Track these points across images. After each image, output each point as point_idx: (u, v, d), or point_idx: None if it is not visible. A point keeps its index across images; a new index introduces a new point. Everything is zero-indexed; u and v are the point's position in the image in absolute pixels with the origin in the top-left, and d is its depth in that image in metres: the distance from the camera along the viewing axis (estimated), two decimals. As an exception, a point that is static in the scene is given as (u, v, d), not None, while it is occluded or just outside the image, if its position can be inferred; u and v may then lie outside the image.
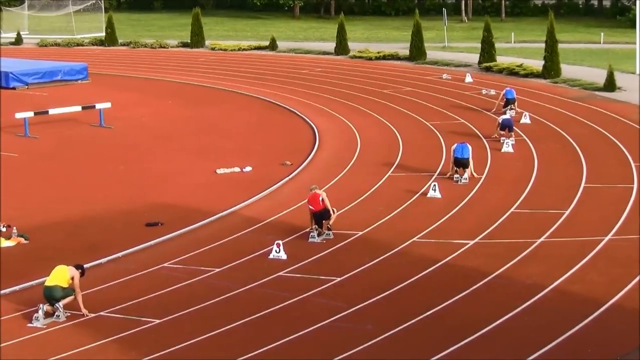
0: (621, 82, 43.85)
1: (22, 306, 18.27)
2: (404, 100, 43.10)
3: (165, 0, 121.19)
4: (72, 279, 17.82)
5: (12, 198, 26.86)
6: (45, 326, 17.32)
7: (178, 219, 24.27)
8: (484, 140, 32.90)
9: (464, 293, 18.37)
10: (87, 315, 17.66)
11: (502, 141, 31.91)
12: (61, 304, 17.59)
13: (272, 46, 66.68)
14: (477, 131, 34.71)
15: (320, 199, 22.27)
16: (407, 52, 58.12)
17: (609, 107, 39.12)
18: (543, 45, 48.91)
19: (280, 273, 19.98)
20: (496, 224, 23.08)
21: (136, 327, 17.14)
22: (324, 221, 22.23)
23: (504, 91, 39.03)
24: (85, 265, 18.78)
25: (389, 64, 57.25)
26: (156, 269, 20.55)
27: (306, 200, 22.87)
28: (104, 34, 74.11)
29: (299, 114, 40.08)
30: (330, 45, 63.91)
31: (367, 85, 47.72)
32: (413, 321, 17.04)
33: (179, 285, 19.37)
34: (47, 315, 17.59)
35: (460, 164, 27.59)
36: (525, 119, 36.19)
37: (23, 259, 21.45)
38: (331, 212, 22.34)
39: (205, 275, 19.98)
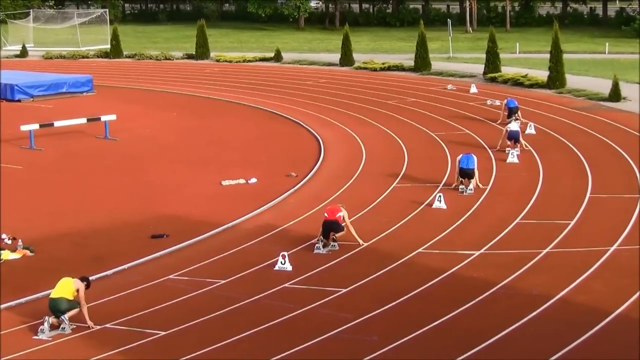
0: (626, 92, 43.80)
1: (28, 318, 18.28)
2: (408, 111, 43.11)
3: (170, 12, 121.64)
4: (78, 291, 17.82)
5: (18, 210, 26.89)
6: (50, 338, 17.32)
7: (183, 230, 24.28)
8: (489, 151, 32.89)
9: (469, 304, 18.36)
10: (92, 328, 17.66)
11: (507, 152, 31.89)
12: (66, 316, 17.59)
13: (277, 57, 66.73)
14: (482, 142, 34.70)
15: (340, 215, 22.29)
16: (412, 63, 58.10)
17: (614, 118, 39.09)
18: (548, 55, 48.88)
19: (286, 284, 19.97)
20: (502, 234, 23.07)
21: (142, 339, 17.14)
22: (331, 232, 22.22)
23: (505, 101, 39.04)
24: (90, 277, 18.80)
25: (394, 74, 57.29)
26: (162, 281, 20.55)
27: (321, 206, 22.94)
28: (109, 46, 74.15)
29: (304, 125, 40.10)
30: (335, 57, 63.96)
31: (372, 96, 47.74)
32: (419, 332, 17.02)
33: (184, 297, 19.37)
34: (53, 327, 17.59)
35: (465, 174, 27.58)
36: (530, 130, 36.18)
37: (28, 271, 21.46)
38: (347, 229, 22.31)
39: (210, 287, 19.98)
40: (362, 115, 42.26)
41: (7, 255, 22.34)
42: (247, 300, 19.03)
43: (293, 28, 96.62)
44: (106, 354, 16.49)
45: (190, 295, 19.52)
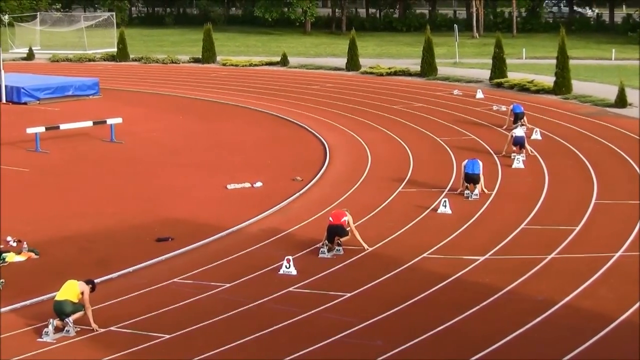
0: (632, 98, 43.77)
1: (33, 321, 18.28)
2: (414, 116, 43.11)
3: (177, 16, 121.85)
4: (82, 293, 17.82)
5: (23, 213, 26.93)
6: (55, 341, 17.33)
7: (188, 234, 24.28)
8: (495, 156, 32.88)
9: (474, 309, 18.34)
10: (97, 330, 17.67)
11: (512, 157, 31.89)
12: (71, 318, 17.60)
13: (284, 62, 66.79)
14: (487, 147, 34.69)
15: (345, 219, 22.28)
16: (418, 68, 58.15)
17: (620, 124, 39.07)
18: (554, 61, 48.88)
19: (291, 288, 19.96)
20: (507, 239, 23.04)
21: (146, 342, 17.14)
22: (336, 237, 22.21)
23: (512, 106, 39.06)
24: (95, 280, 18.81)
25: (400, 79, 57.29)
26: (166, 284, 20.55)
27: (326, 211, 22.93)
28: (115, 49, 74.35)
29: (310, 129, 40.11)
30: (342, 61, 64.00)
31: (378, 101, 47.75)
32: (423, 337, 17.00)
33: (189, 301, 19.37)
34: (57, 330, 17.60)
35: (471, 179, 27.56)
36: (536, 135, 36.15)
37: (33, 274, 21.48)
38: (352, 233, 22.31)
39: (215, 291, 19.97)
40: (368, 119, 42.28)
41: (12, 257, 22.35)
42: (252, 304, 19.02)
43: (300, 32, 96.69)
44: (110, 357, 16.49)
45: (195, 298, 19.52)
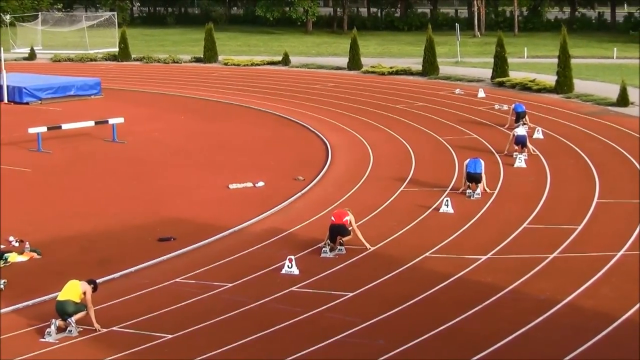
0: (634, 97, 43.74)
1: (35, 321, 18.29)
2: (416, 115, 43.10)
3: (179, 15, 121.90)
4: (84, 293, 17.83)
5: (25, 213, 26.94)
6: (57, 341, 17.33)
7: (190, 234, 24.28)
8: (497, 156, 32.86)
9: (476, 308, 18.33)
10: (99, 331, 17.67)
11: (514, 156, 31.87)
12: (73, 319, 17.60)
13: (285, 61, 66.78)
14: (489, 146, 34.68)
15: (347, 219, 22.27)
16: (419, 67, 58.13)
17: (622, 123, 39.04)
18: (556, 60, 48.89)
19: (293, 288, 19.96)
20: (509, 239, 23.03)
21: (148, 342, 17.14)
22: (338, 236, 22.21)
23: (513, 106, 39.02)
24: (97, 280, 18.82)
25: (402, 79, 57.28)
26: (168, 284, 20.55)
27: (328, 210, 22.93)
28: (117, 49, 74.35)
29: (312, 129, 40.11)
30: (343, 61, 63.99)
31: (380, 100, 47.74)
32: (426, 336, 17.00)
33: (191, 301, 19.37)
34: (60, 330, 17.60)
35: (473, 179, 27.56)
36: (538, 134, 36.14)
37: (36, 274, 21.48)
38: (354, 233, 22.29)
39: (217, 291, 19.98)
40: (370, 119, 42.26)
41: (15, 257, 22.35)
42: (254, 304, 19.03)
43: (301, 32, 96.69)
44: (112, 357, 16.49)
45: (197, 298, 19.52)
